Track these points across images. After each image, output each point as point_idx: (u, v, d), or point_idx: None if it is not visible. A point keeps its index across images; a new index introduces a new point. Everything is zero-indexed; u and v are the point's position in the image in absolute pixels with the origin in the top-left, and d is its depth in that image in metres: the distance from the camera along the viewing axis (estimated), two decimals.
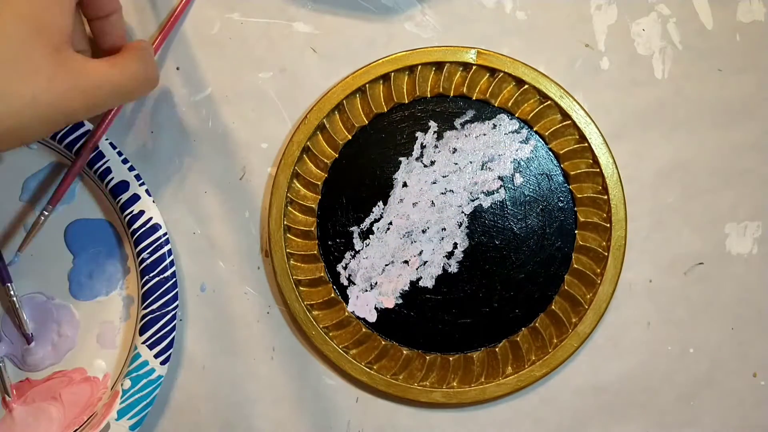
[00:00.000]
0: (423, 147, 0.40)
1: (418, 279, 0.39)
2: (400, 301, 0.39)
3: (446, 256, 0.39)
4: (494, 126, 0.40)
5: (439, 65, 0.40)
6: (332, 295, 0.39)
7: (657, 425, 0.40)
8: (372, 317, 0.39)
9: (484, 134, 0.40)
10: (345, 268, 0.39)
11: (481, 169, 0.39)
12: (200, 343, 0.40)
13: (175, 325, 0.38)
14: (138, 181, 0.38)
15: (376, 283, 0.39)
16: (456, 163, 0.39)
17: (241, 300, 0.40)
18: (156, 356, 0.37)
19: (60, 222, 0.39)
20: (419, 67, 0.39)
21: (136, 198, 0.38)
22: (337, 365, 0.39)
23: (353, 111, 0.40)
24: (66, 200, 0.39)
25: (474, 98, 0.39)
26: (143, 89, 0.34)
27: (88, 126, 0.38)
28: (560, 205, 0.39)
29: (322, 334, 0.39)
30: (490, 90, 0.39)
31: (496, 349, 0.39)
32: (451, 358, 0.39)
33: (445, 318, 0.39)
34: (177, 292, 0.38)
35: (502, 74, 0.39)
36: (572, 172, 0.39)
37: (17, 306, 0.39)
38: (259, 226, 0.40)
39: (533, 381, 0.39)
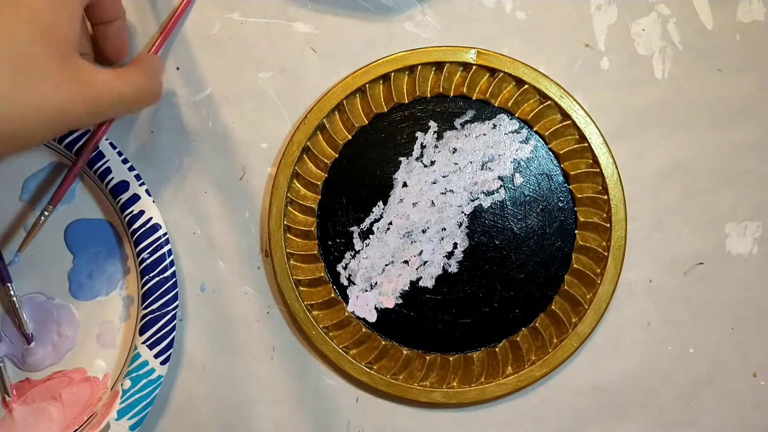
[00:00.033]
0: (423, 147, 0.40)
1: (418, 279, 0.39)
2: (400, 301, 0.39)
3: (446, 256, 0.39)
4: (494, 126, 0.40)
5: (439, 65, 0.40)
6: (332, 295, 0.39)
7: (657, 425, 0.40)
8: (372, 317, 0.39)
9: (484, 134, 0.40)
10: (345, 268, 0.39)
11: (481, 169, 0.39)
12: (200, 343, 0.40)
13: (175, 325, 0.38)
14: (138, 181, 0.38)
15: (376, 283, 0.39)
16: (456, 163, 0.39)
17: (241, 300, 0.40)
18: (156, 356, 0.37)
19: (60, 222, 0.39)
20: (419, 67, 0.39)
21: (136, 198, 0.38)
22: (337, 365, 0.39)
23: (353, 111, 0.40)
24: (66, 200, 0.39)
25: (474, 98, 0.39)
26: (146, 103, 0.34)
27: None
28: (560, 205, 0.39)
29: (322, 334, 0.39)
30: (490, 90, 0.39)
31: (496, 349, 0.39)
32: (451, 358, 0.39)
33: (445, 318, 0.39)
34: (177, 292, 0.38)
35: (502, 74, 0.39)
36: (572, 172, 0.39)
37: (17, 306, 0.39)
38: (259, 226, 0.40)
39: (533, 381, 0.39)
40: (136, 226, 0.38)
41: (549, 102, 0.39)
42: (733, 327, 0.40)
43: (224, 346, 0.40)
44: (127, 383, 0.37)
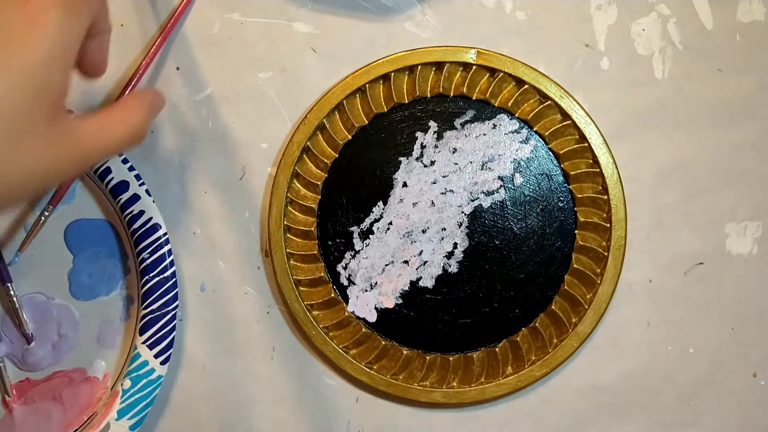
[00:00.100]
0: (423, 147, 0.40)
1: (418, 279, 0.39)
2: (400, 301, 0.39)
3: (446, 256, 0.39)
4: (494, 126, 0.40)
5: (439, 65, 0.40)
6: (332, 295, 0.39)
7: (657, 425, 0.40)
8: (372, 317, 0.39)
9: (484, 134, 0.40)
10: (345, 268, 0.39)
11: (481, 169, 0.39)
12: (200, 343, 0.40)
13: (175, 325, 0.38)
14: (138, 181, 0.38)
15: (376, 283, 0.39)
16: (456, 163, 0.39)
17: (241, 300, 0.40)
18: (156, 356, 0.37)
19: (60, 222, 0.39)
20: (419, 67, 0.39)
21: (136, 198, 0.38)
22: (337, 365, 0.39)
23: (353, 111, 0.40)
24: (66, 200, 0.39)
25: (474, 98, 0.39)
26: (131, 147, 0.33)
27: None
28: (560, 205, 0.39)
29: (322, 334, 0.39)
30: (490, 90, 0.39)
31: (496, 349, 0.39)
32: (451, 358, 0.39)
33: (445, 318, 0.39)
34: (177, 292, 0.38)
35: (502, 74, 0.39)
36: (572, 172, 0.39)
37: (17, 306, 0.39)
38: (259, 226, 0.40)
39: (533, 381, 0.39)
40: (136, 226, 0.38)
41: (549, 102, 0.39)
42: (733, 327, 0.40)
43: (224, 346, 0.40)
44: (127, 383, 0.37)
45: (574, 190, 0.39)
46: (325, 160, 0.40)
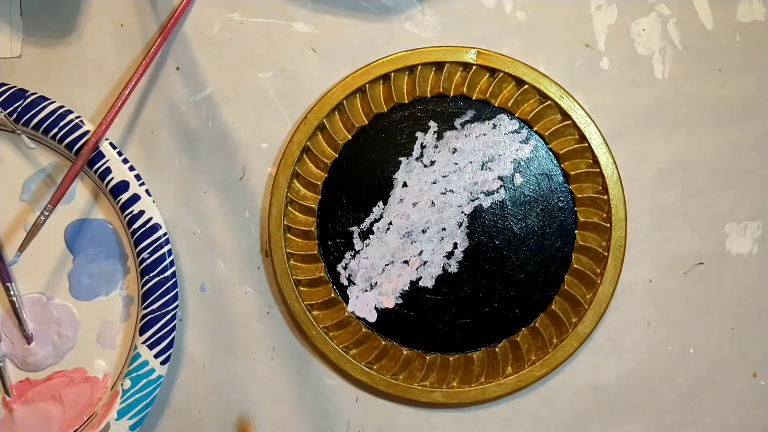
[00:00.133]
0: (423, 147, 0.40)
1: (418, 279, 0.39)
2: (400, 301, 0.39)
3: (446, 256, 0.39)
4: (494, 126, 0.40)
5: (439, 65, 0.40)
6: (332, 295, 0.39)
7: (657, 425, 0.40)
8: (372, 317, 0.39)
9: (484, 134, 0.40)
10: (345, 268, 0.39)
11: (481, 169, 0.39)
12: (200, 343, 0.40)
13: (175, 325, 0.38)
14: (138, 181, 0.38)
15: (376, 283, 0.39)
16: (456, 163, 0.39)
17: (241, 300, 0.40)
18: (156, 356, 0.37)
19: (60, 222, 0.39)
20: (419, 67, 0.39)
21: (136, 198, 0.38)
22: (337, 365, 0.39)
23: (353, 111, 0.40)
24: (66, 200, 0.39)
25: (474, 98, 0.39)
26: None
27: (88, 126, 0.38)
28: (560, 205, 0.39)
29: (322, 334, 0.39)
30: (490, 90, 0.39)
31: (496, 349, 0.39)
32: (451, 358, 0.39)
33: (445, 318, 0.39)
34: (177, 292, 0.38)
35: (502, 74, 0.39)
36: (572, 172, 0.39)
37: (17, 306, 0.39)
38: (259, 226, 0.40)
39: (533, 381, 0.39)
40: (136, 226, 0.38)
41: (549, 102, 0.39)
42: (733, 327, 0.40)
43: (224, 346, 0.40)
44: (127, 383, 0.37)
45: (574, 190, 0.39)
46: (325, 160, 0.40)
